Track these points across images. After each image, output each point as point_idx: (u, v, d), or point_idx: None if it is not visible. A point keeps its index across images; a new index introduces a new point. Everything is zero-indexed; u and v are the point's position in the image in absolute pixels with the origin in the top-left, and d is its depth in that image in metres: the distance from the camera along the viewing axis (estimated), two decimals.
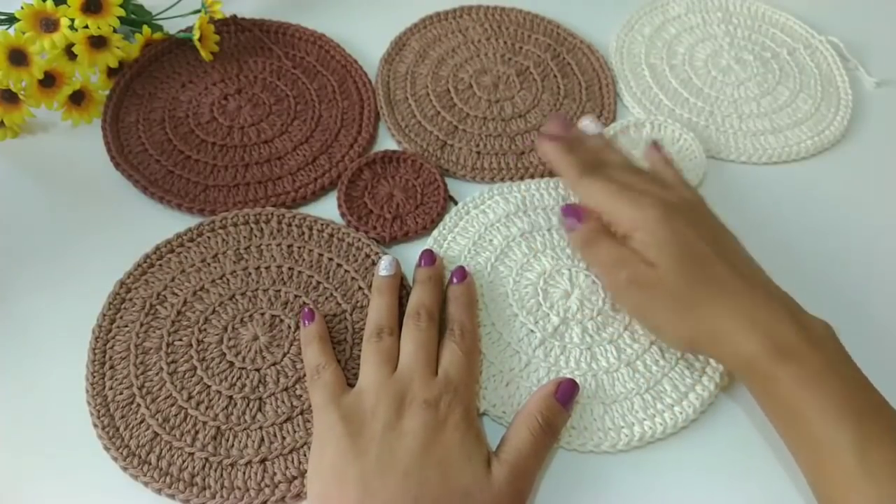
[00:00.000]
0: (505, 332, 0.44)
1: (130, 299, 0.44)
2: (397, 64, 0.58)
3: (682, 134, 0.54)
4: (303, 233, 0.48)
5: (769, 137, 0.56)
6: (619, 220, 0.43)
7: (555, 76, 0.58)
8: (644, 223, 0.41)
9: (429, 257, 0.45)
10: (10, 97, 0.49)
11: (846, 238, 0.50)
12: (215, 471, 0.39)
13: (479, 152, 0.53)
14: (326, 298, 0.45)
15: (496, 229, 0.48)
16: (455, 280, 0.44)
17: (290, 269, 0.46)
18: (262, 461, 0.39)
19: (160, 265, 0.46)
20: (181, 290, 0.45)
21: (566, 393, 0.40)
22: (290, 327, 0.44)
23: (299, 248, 0.47)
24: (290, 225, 0.48)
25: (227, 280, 0.45)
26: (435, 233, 0.48)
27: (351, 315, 0.44)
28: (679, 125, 0.54)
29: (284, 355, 0.43)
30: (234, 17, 0.58)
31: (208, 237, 0.47)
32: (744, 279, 0.39)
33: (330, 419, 0.37)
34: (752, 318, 0.38)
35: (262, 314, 0.44)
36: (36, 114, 0.51)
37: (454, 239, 0.48)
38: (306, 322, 0.42)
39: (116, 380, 0.41)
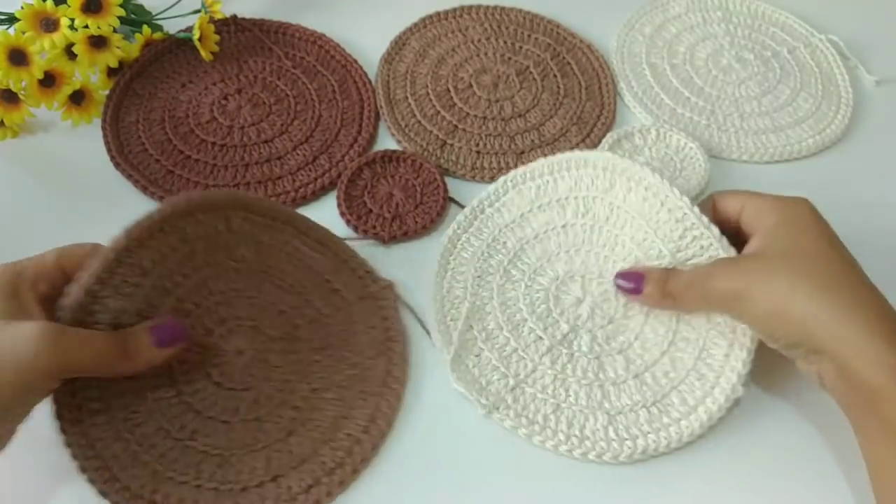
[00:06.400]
0: (513, 338, 0.44)
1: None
2: (397, 63, 0.58)
3: (687, 142, 0.53)
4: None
5: (770, 136, 0.56)
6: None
7: (555, 76, 0.58)
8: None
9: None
10: (10, 97, 0.49)
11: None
12: (227, 499, 0.37)
13: (478, 152, 0.53)
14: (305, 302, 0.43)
15: (510, 230, 0.48)
16: None
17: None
18: (274, 479, 0.38)
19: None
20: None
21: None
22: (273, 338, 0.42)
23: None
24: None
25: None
26: (449, 231, 0.47)
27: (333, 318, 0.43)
28: (684, 133, 0.53)
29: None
30: (234, 17, 0.58)
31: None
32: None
33: None
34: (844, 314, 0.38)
35: (241, 326, 0.41)
36: (36, 114, 0.51)
37: (468, 240, 0.48)
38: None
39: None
